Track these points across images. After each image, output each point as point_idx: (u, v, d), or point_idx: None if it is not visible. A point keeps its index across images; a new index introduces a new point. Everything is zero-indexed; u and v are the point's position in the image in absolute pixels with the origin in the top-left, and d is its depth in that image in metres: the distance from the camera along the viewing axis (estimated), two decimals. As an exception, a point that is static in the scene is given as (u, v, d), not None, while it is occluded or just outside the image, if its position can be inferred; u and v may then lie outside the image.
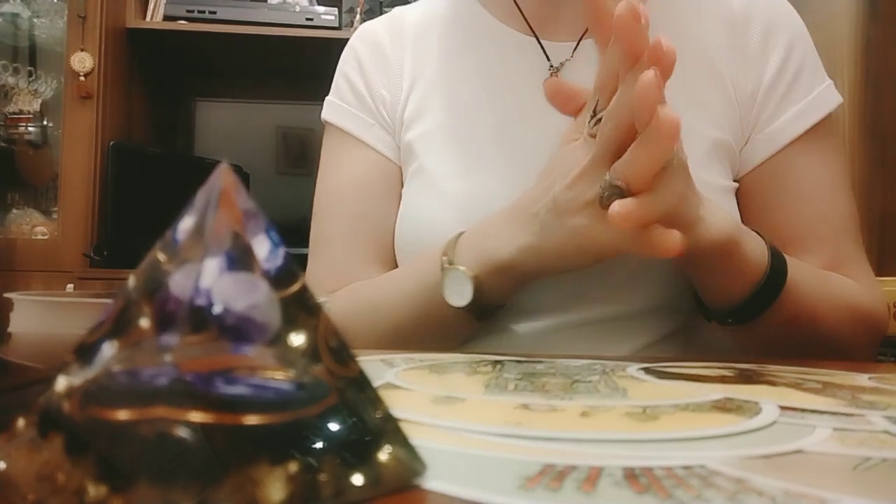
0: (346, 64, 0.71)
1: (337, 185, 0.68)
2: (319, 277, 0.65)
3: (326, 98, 0.71)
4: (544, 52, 0.64)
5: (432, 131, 0.64)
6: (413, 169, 0.65)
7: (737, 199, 0.63)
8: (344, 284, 0.65)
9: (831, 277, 0.57)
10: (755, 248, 0.50)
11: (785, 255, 0.52)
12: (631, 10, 0.41)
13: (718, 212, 0.48)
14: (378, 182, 0.67)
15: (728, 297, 0.51)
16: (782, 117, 0.61)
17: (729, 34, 0.63)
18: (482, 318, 0.53)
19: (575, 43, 0.64)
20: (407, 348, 0.53)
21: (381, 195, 0.67)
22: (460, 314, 0.52)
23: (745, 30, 0.63)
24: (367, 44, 0.70)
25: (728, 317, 0.52)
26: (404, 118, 0.67)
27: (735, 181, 0.63)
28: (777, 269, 0.50)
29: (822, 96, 0.62)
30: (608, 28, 0.44)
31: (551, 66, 0.63)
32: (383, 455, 0.17)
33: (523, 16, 0.65)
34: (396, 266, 0.69)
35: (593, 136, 0.45)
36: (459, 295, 0.51)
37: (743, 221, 0.62)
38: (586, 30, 0.64)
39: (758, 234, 0.53)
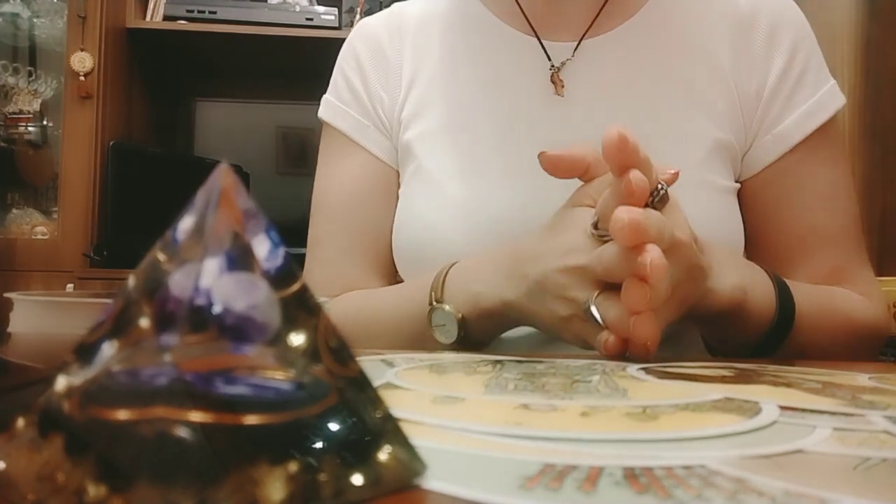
0: (345, 62, 0.71)
1: (332, 187, 0.68)
2: (314, 280, 0.66)
3: (324, 96, 0.71)
4: (545, 51, 0.64)
5: (431, 131, 0.64)
6: (412, 169, 0.65)
7: (743, 200, 0.63)
8: (338, 287, 0.65)
9: (834, 298, 0.57)
10: (763, 299, 0.50)
11: (791, 285, 0.52)
12: (619, 137, 0.41)
13: (726, 276, 0.47)
14: (372, 185, 0.67)
15: (738, 347, 0.51)
16: (788, 119, 0.61)
17: (733, 34, 0.63)
18: (467, 350, 0.52)
19: (576, 43, 0.64)
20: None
21: (376, 199, 0.67)
22: (447, 348, 0.51)
23: (749, 30, 0.63)
24: (366, 42, 0.70)
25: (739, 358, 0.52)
26: (402, 118, 0.67)
27: (738, 182, 0.63)
28: (785, 313, 0.50)
29: (827, 97, 0.62)
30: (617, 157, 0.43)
31: (552, 65, 0.63)
32: (383, 455, 0.17)
33: (524, 15, 0.65)
34: (391, 268, 0.69)
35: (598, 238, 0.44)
36: (446, 333, 0.50)
37: (748, 223, 0.62)
38: (587, 29, 0.64)
39: (765, 270, 0.53)
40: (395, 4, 0.73)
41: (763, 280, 0.52)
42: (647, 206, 0.41)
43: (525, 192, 0.60)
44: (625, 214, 0.39)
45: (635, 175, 0.40)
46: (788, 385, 0.33)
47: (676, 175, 0.48)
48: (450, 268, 0.53)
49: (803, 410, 0.27)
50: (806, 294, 0.53)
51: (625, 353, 0.43)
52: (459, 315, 0.50)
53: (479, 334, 0.51)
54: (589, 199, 0.47)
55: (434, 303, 0.51)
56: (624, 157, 0.41)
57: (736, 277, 0.48)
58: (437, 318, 0.51)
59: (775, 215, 0.62)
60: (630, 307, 0.40)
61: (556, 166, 0.47)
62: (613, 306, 0.42)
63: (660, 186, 0.43)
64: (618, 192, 0.41)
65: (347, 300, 0.63)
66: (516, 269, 0.48)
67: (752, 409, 0.26)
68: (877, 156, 1.54)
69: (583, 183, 0.48)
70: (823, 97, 0.62)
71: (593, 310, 0.42)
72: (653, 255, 0.39)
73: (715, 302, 0.46)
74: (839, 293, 0.59)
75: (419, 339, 0.53)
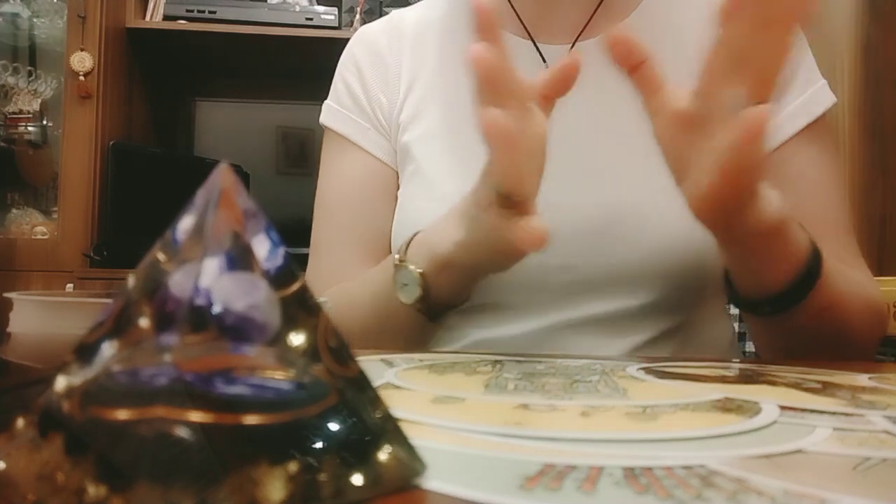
0: (345, 68, 0.71)
1: (334, 189, 0.69)
2: (317, 279, 0.66)
3: (325, 102, 0.72)
4: (540, 54, 0.64)
5: (429, 133, 0.65)
6: (410, 171, 0.65)
7: None
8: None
9: (845, 268, 0.57)
10: (799, 236, 0.49)
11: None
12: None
13: (771, 192, 0.46)
14: (374, 186, 0.68)
15: (771, 284, 0.50)
16: (778, 116, 0.61)
17: None
18: (435, 317, 0.52)
19: (570, 45, 0.64)
20: (377, 344, 0.53)
21: (377, 199, 0.67)
22: (415, 314, 0.51)
23: None
24: (365, 48, 0.70)
25: (766, 305, 0.51)
26: (401, 120, 0.67)
27: None
28: (815, 258, 0.49)
29: (817, 96, 0.62)
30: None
31: (547, 68, 0.63)
32: (383, 455, 0.17)
33: (519, 18, 0.66)
34: None
35: None
36: (409, 292, 0.51)
37: None
38: (581, 32, 0.64)
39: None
40: (395, 11, 0.73)
41: (797, 221, 0.50)
42: None
43: None
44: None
45: None
46: (788, 385, 0.33)
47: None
48: (414, 235, 0.54)
49: (803, 410, 0.27)
50: (825, 254, 0.53)
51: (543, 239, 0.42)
52: (419, 271, 0.50)
53: (442, 291, 0.51)
54: None
55: (398, 262, 0.52)
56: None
57: (779, 201, 0.46)
58: (399, 277, 0.51)
59: None
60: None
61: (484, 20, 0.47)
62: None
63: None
64: None
65: (333, 290, 0.63)
66: (460, 212, 0.49)
67: (752, 409, 0.26)
68: (876, 156, 1.54)
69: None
70: (813, 96, 0.62)
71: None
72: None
73: (766, 212, 0.44)
74: (847, 268, 0.58)
75: (388, 307, 0.53)
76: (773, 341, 0.56)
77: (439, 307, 0.52)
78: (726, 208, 0.44)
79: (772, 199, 0.45)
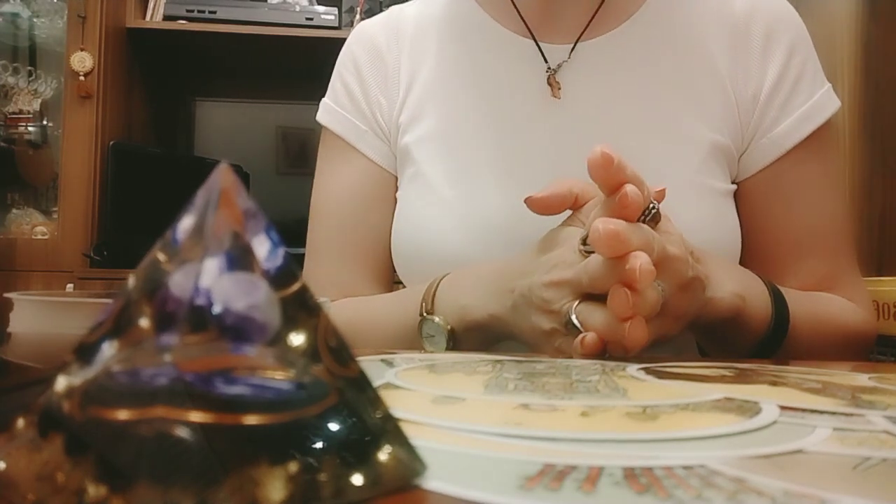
0: (343, 67, 0.71)
1: (330, 194, 0.69)
2: (314, 282, 0.66)
3: (322, 100, 0.71)
4: (542, 53, 0.64)
5: (429, 135, 0.64)
6: (410, 173, 0.65)
7: (737, 202, 0.63)
8: (336, 293, 0.66)
9: (827, 305, 0.58)
10: (760, 305, 0.50)
11: (785, 293, 0.53)
12: (603, 156, 0.42)
13: (724, 283, 0.47)
14: (370, 191, 0.67)
15: (738, 350, 0.52)
16: (784, 123, 0.61)
17: (730, 37, 0.63)
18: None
19: (572, 45, 0.64)
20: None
21: (374, 204, 0.67)
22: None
23: (746, 33, 0.63)
24: (364, 46, 0.70)
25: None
26: (401, 121, 0.67)
27: (734, 183, 0.63)
28: (780, 321, 0.51)
29: (823, 101, 0.62)
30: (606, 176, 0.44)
31: (549, 67, 0.63)
32: (383, 455, 0.17)
33: (521, 17, 0.65)
34: (389, 274, 0.69)
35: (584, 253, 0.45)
36: (436, 344, 0.51)
37: (743, 225, 0.62)
38: (583, 31, 0.64)
39: (759, 277, 0.53)
40: (393, 7, 0.73)
41: (758, 286, 0.52)
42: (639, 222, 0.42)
43: (522, 194, 0.60)
44: (601, 224, 0.39)
45: (630, 189, 0.41)
46: (788, 385, 0.33)
47: (664, 192, 0.48)
48: (441, 280, 0.54)
49: (803, 410, 0.27)
50: (799, 301, 0.54)
51: (603, 353, 0.42)
52: (449, 327, 0.50)
53: (468, 345, 0.51)
54: (579, 220, 0.48)
55: (424, 314, 0.52)
56: (610, 176, 0.41)
57: (734, 284, 0.48)
58: (427, 328, 0.52)
59: (769, 219, 0.62)
60: (617, 313, 0.40)
61: (546, 206, 0.48)
62: (595, 311, 0.41)
63: (651, 205, 0.43)
64: (607, 207, 0.42)
65: (341, 307, 0.63)
66: (504, 284, 0.48)
67: (752, 409, 0.26)
68: (876, 156, 1.54)
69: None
70: (819, 101, 0.62)
71: (573, 318, 0.42)
72: (640, 260, 0.39)
73: (715, 310, 0.47)
74: (831, 300, 0.59)
75: (410, 347, 0.53)
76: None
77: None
78: (674, 318, 0.45)
79: (721, 297, 0.47)
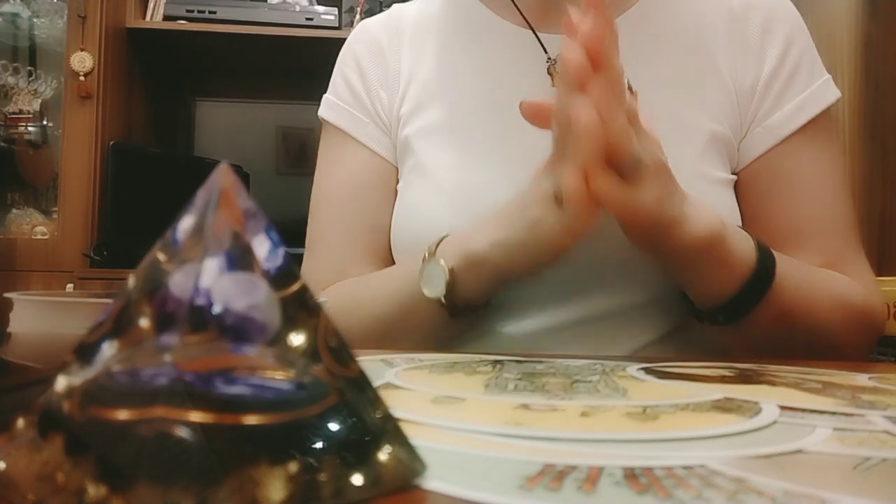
0: (344, 62, 0.71)
1: (332, 183, 0.69)
2: (314, 275, 0.66)
3: (324, 96, 0.71)
4: (541, 44, 0.64)
5: (430, 127, 0.65)
6: (410, 165, 0.65)
7: (737, 191, 0.63)
8: (336, 281, 0.65)
9: (822, 273, 0.57)
10: (741, 244, 0.51)
11: (775, 251, 0.52)
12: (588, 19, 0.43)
13: (703, 209, 0.49)
14: (373, 181, 0.67)
15: (716, 295, 0.51)
16: (781, 110, 0.61)
17: (728, 28, 0.63)
18: (457, 315, 0.53)
19: None
20: (386, 345, 0.53)
21: (376, 194, 0.67)
22: (436, 310, 0.52)
23: (744, 23, 0.63)
24: (364, 42, 0.70)
25: (718, 314, 0.52)
26: (401, 114, 0.67)
27: (734, 174, 0.63)
28: (765, 264, 0.51)
29: (821, 90, 0.62)
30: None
31: (549, 58, 0.63)
32: (383, 455, 0.17)
33: (518, 9, 0.66)
34: (389, 263, 0.69)
35: None
36: (434, 286, 0.52)
37: (741, 215, 0.62)
38: None
39: (746, 231, 0.53)
40: (394, 6, 0.73)
41: (742, 231, 0.52)
42: None
43: (523, 183, 0.60)
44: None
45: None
46: (788, 385, 0.33)
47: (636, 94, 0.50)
48: (446, 235, 0.55)
49: (803, 410, 0.27)
50: (788, 260, 0.53)
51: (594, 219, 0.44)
52: (449, 266, 0.51)
53: (468, 288, 0.52)
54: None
55: (427, 256, 0.53)
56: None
57: (713, 216, 0.49)
58: (427, 270, 0.52)
59: (766, 206, 0.62)
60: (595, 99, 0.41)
61: (535, 114, 0.50)
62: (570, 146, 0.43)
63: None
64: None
65: (338, 286, 0.63)
66: (502, 213, 0.51)
67: (752, 409, 0.26)
68: (877, 156, 1.54)
69: None
70: (816, 91, 0.62)
71: (558, 183, 0.44)
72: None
73: (693, 229, 0.47)
74: (826, 272, 0.58)
75: (408, 302, 0.54)
76: (743, 348, 0.56)
77: (461, 305, 0.52)
78: (644, 234, 0.47)
79: (699, 217, 0.47)
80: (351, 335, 0.62)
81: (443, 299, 0.51)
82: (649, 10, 0.65)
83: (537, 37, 0.64)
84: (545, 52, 0.64)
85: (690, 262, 0.50)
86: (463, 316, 0.53)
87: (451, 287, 0.51)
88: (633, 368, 0.38)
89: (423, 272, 0.52)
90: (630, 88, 0.46)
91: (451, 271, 0.51)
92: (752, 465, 0.19)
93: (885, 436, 0.23)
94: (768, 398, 0.28)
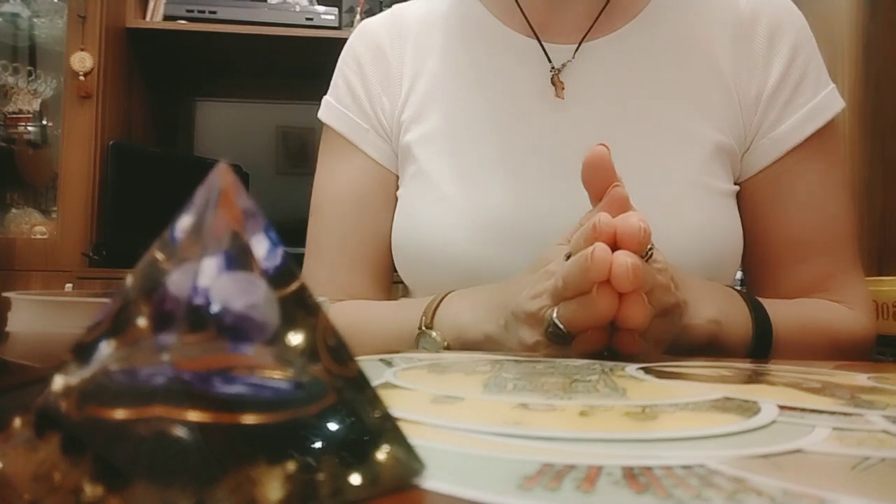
0: (346, 65, 0.71)
1: (332, 190, 0.69)
2: (312, 283, 0.66)
3: (324, 97, 0.71)
4: (546, 53, 0.64)
5: (432, 134, 0.64)
6: (412, 171, 0.65)
7: (739, 202, 0.63)
8: (336, 292, 0.65)
9: (817, 313, 0.58)
10: (739, 329, 0.51)
11: (768, 306, 0.53)
12: (598, 155, 0.43)
13: (701, 310, 0.47)
14: (371, 190, 0.67)
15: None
16: (786, 122, 0.61)
17: (734, 37, 0.63)
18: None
19: (576, 45, 0.64)
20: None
21: (374, 203, 0.67)
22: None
23: (750, 33, 0.63)
24: (367, 45, 0.70)
25: None
26: (403, 120, 0.66)
27: (737, 184, 0.63)
28: (761, 340, 0.51)
29: (826, 101, 0.62)
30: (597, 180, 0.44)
31: (552, 67, 0.63)
32: (382, 454, 0.17)
33: (525, 17, 0.65)
34: (389, 273, 0.69)
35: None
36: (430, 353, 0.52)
37: (744, 225, 0.62)
38: (587, 31, 0.64)
39: (737, 292, 0.53)
40: (396, 6, 0.72)
41: (739, 308, 0.52)
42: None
43: (525, 192, 0.60)
44: (598, 250, 0.39)
45: (634, 224, 0.40)
46: (788, 385, 0.33)
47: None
48: (444, 296, 0.54)
49: (802, 410, 0.26)
50: (785, 315, 0.54)
51: (605, 347, 0.42)
52: (445, 343, 0.51)
53: None
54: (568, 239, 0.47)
55: (423, 327, 0.52)
56: (601, 179, 0.42)
57: (712, 310, 0.48)
58: (423, 342, 0.52)
59: (768, 218, 0.62)
60: (618, 283, 0.38)
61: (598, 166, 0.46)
62: (574, 303, 0.41)
63: (649, 247, 0.42)
64: (589, 226, 0.41)
65: (341, 309, 0.63)
66: (499, 302, 0.49)
67: (751, 408, 0.26)
68: (877, 156, 1.54)
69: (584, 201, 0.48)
70: (822, 101, 0.61)
71: (555, 320, 0.42)
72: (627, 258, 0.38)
73: (691, 336, 0.47)
74: (822, 307, 0.59)
75: (407, 346, 0.54)
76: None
77: None
78: (654, 342, 0.45)
79: (698, 323, 0.47)
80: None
81: None
82: (654, 19, 0.65)
83: (542, 46, 0.64)
84: (549, 61, 0.63)
85: (687, 354, 0.51)
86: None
87: None
88: (633, 368, 0.38)
89: (420, 342, 0.52)
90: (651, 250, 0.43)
91: (447, 348, 0.51)
92: (752, 464, 0.19)
93: (884, 435, 0.23)
94: (767, 398, 0.28)
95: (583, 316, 0.40)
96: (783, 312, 0.54)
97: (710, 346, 0.48)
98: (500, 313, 0.48)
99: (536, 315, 0.44)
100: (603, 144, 0.44)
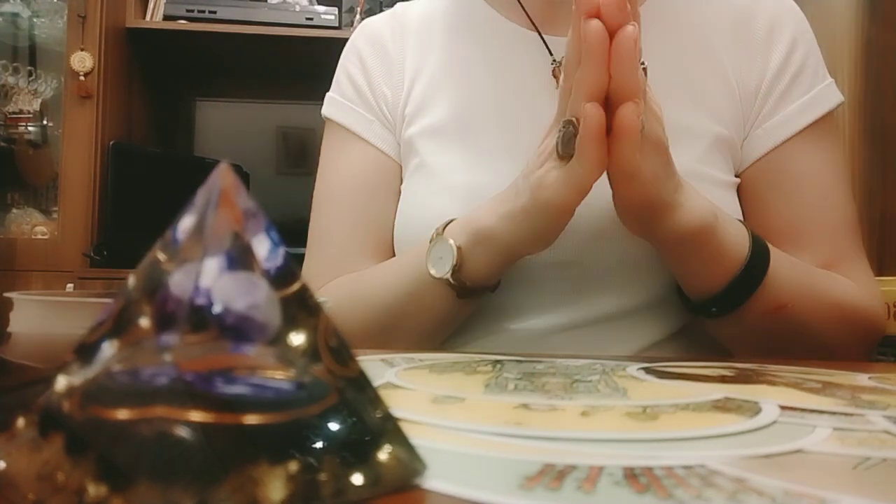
0: (348, 60, 0.71)
1: (336, 181, 0.68)
2: (316, 273, 0.66)
3: (327, 94, 0.71)
4: (546, 46, 0.64)
5: (434, 127, 0.64)
6: (414, 164, 0.65)
7: (739, 192, 0.63)
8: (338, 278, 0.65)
9: (820, 273, 0.57)
10: (735, 236, 0.51)
11: (772, 247, 0.53)
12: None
13: (697, 197, 0.49)
14: (377, 179, 0.67)
15: (709, 285, 0.52)
16: (782, 112, 0.61)
17: (733, 28, 0.63)
18: (464, 295, 0.53)
19: None
20: (391, 338, 0.53)
21: (380, 192, 0.67)
22: (444, 291, 0.52)
23: (749, 24, 0.63)
24: (368, 39, 0.70)
25: (710, 306, 0.52)
26: (405, 113, 0.67)
27: (737, 176, 0.63)
28: (758, 258, 0.51)
29: (823, 94, 0.62)
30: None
31: (553, 60, 0.63)
32: (383, 455, 0.17)
33: (525, 10, 0.65)
34: None
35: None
36: (442, 265, 0.52)
37: (743, 216, 0.62)
38: None
39: (742, 224, 0.53)
40: (398, 4, 0.73)
41: (737, 223, 0.52)
42: None
43: None
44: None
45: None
46: (788, 385, 0.33)
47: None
48: (447, 223, 0.55)
49: (803, 410, 0.27)
50: (785, 257, 0.53)
51: (605, 166, 0.44)
52: (457, 245, 0.51)
53: (475, 266, 0.52)
54: None
55: (435, 236, 0.53)
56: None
57: (706, 206, 0.49)
58: (434, 250, 0.52)
59: (767, 207, 0.62)
60: (607, 17, 0.40)
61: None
62: (574, 94, 0.43)
63: (643, 64, 0.44)
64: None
65: (339, 281, 0.63)
66: (509, 188, 0.51)
67: (752, 408, 0.26)
68: (877, 156, 1.54)
69: None
70: (819, 94, 0.62)
71: (559, 138, 0.44)
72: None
73: (685, 217, 0.47)
74: (824, 272, 0.58)
75: (414, 287, 0.54)
76: (740, 345, 0.56)
77: (469, 285, 0.52)
78: (637, 214, 0.46)
79: (691, 207, 0.47)
80: (353, 329, 0.61)
81: (451, 279, 0.51)
82: (654, 12, 0.65)
83: (543, 39, 0.64)
84: (550, 53, 0.64)
85: (680, 252, 0.51)
86: (471, 296, 0.53)
87: (459, 265, 0.51)
88: (633, 368, 0.38)
89: (431, 252, 0.52)
90: (644, 69, 0.45)
91: (459, 249, 0.51)
92: (752, 464, 0.19)
93: (884, 435, 0.23)
94: (768, 398, 0.28)
95: (583, 80, 0.42)
96: (781, 254, 0.53)
97: (702, 242, 0.49)
98: (510, 190, 0.50)
99: (543, 154, 0.46)
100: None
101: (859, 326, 0.57)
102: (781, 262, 0.52)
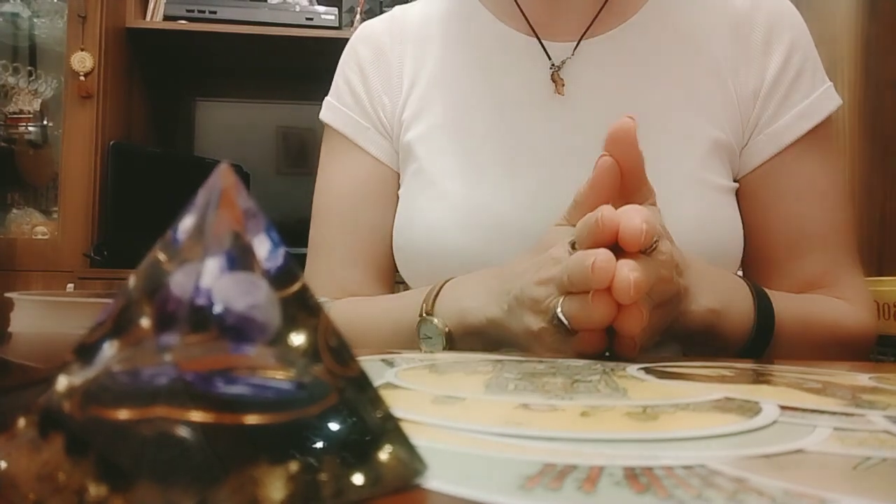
0: (346, 66, 0.71)
1: (334, 190, 0.69)
2: (316, 282, 0.66)
3: (325, 98, 0.71)
4: (545, 51, 0.64)
5: (432, 132, 0.64)
6: (412, 170, 0.65)
7: (738, 199, 0.63)
8: (338, 292, 0.66)
9: (819, 307, 0.58)
10: (739, 318, 0.50)
11: (773, 299, 0.52)
12: (624, 127, 0.43)
13: (704, 294, 0.47)
14: (374, 188, 0.67)
15: (724, 353, 0.51)
16: (783, 119, 0.62)
17: (732, 33, 0.63)
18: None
19: (575, 42, 0.64)
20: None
21: (377, 201, 0.67)
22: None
23: (747, 30, 0.63)
24: (367, 45, 0.70)
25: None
26: (404, 119, 0.67)
27: (736, 181, 0.64)
28: (763, 330, 0.51)
29: (822, 98, 0.62)
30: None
31: (552, 65, 0.63)
32: (384, 455, 0.17)
33: (524, 15, 0.66)
34: (391, 271, 0.69)
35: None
36: (432, 345, 0.51)
37: (743, 223, 0.62)
38: (587, 29, 0.64)
39: (745, 281, 0.53)
40: (397, 8, 0.73)
41: (742, 297, 0.52)
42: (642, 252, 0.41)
43: (526, 190, 0.60)
44: (597, 215, 0.40)
45: (607, 210, 0.40)
46: (788, 385, 0.33)
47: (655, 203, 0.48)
48: (445, 283, 0.53)
49: (803, 410, 0.27)
50: (788, 306, 0.53)
51: (605, 349, 0.42)
52: (447, 329, 0.50)
53: (464, 346, 0.51)
54: (574, 218, 0.47)
55: (424, 314, 0.52)
56: (624, 147, 0.42)
57: (711, 298, 0.47)
58: (424, 329, 0.51)
59: (767, 214, 0.62)
60: (618, 297, 0.38)
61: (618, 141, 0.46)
62: (578, 301, 0.40)
63: (655, 240, 0.41)
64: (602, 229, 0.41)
65: (342, 306, 0.63)
66: (502, 286, 0.48)
67: (752, 408, 0.26)
68: (876, 156, 1.54)
69: (579, 195, 0.48)
70: (818, 99, 0.62)
71: (559, 313, 0.42)
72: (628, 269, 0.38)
73: (687, 322, 0.46)
74: (824, 302, 0.59)
75: (407, 348, 0.53)
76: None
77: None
78: (651, 330, 0.44)
79: (694, 310, 0.47)
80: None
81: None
82: (653, 17, 0.65)
83: (542, 44, 0.64)
84: (549, 58, 0.64)
85: (684, 341, 0.51)
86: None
87: (448, 346, 0.50)
88: (634, 368, 0.38)
89: (421, 329, 0.51)
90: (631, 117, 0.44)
91: (449, 333, 0.50)
92: (753, 464, 0.19)
93: (885, 435, 0.23)
94: (768, 398, 0.28)
95: (584, 316, 0.40)
96: (786, 304, 0.53)
97: (706, 335, 0.48)
98: (503, 297, 0.47)
99: (542, 303, 0.43)
100: (630, 116, 0.43)
101: (853, 347, 0.58)
102: (783, 315, 0.52)
